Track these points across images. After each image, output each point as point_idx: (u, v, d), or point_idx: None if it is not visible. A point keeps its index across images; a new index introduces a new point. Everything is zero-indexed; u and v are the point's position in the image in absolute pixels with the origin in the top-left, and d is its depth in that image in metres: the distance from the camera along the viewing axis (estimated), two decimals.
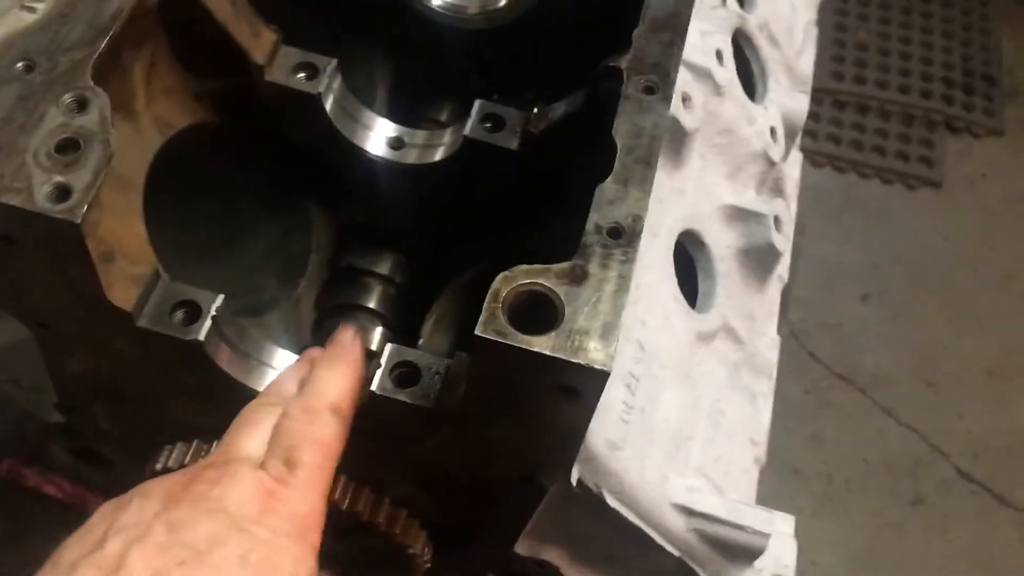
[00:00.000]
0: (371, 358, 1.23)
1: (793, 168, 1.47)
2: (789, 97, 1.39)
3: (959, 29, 3.80)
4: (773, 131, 1.31)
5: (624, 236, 0.84)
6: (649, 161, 0.89)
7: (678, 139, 1.14)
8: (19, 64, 0.86)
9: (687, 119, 1.13)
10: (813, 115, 3.53)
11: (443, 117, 1.40)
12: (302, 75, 1.11)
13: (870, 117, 3.58)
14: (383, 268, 1.26)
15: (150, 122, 1.09)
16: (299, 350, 1.21)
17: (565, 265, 0.81)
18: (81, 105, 0.84)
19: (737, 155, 1.26)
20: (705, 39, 1.21)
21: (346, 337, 0.91)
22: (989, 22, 3.83)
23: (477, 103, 1.11)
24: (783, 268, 1.32)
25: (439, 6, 1.29)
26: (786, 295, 3.01)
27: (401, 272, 1.27)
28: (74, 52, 0.87)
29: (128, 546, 0.69)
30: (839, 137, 3.53)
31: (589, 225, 0.84)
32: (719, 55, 1.23)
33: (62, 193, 0.79)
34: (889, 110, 3.59)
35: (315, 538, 0.76)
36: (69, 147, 0.82)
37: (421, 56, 1.37)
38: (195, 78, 1.11)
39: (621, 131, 0.90)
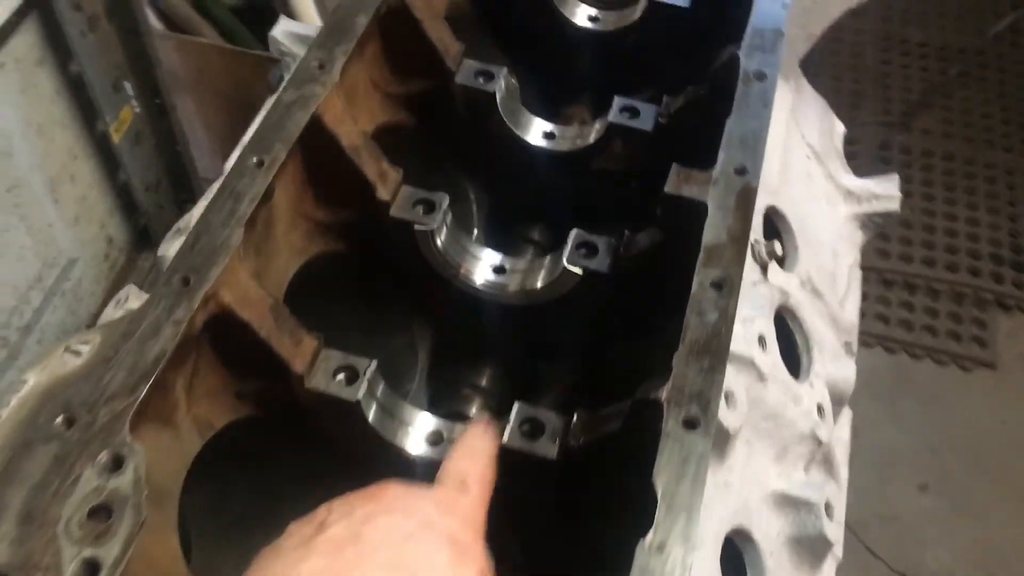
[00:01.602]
0: None
1: (843, 429, 1.43)
2: (835, 365, 1.36)
3: (1005, 204, 3.78)
4: (820, 408, 1.27)
5: None
6: (691, 512, 0.86)
7: (721, 438, 1.11)
8: (59, 419, 0.86)
9: (730, 419, 1.11)
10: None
11: (483, 382, 1.40)
12: (342, 377, 1.11)
13: (919, 296, 3.54)
14: None
15: (190, 426, 1.09)
16: None
17: None
18: (116, 463, 0.84)
19: (784, 437, 1.23)
20: (747, 327, 1.20)
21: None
22: None
23: (516, 407, 1.10)
24: (838, 546, 1.27)
25: (483, 284, 1.29)
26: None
27: None
28: (115, 402, 0.88)
29: (353, 526, 0.79)
30: (887, 316, 3.48)
31: None
32: (762, 341, 1.21)
33: (91, 569, 0.78)
34: (938, 288, 3.54)
35: (483, 548, 0.86)
36: (101, 513, 0.81)
37: (460, 327, 1.37)
38: (238, 379, 1.12)
39: (661, 476, 0.88)
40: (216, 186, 1.46)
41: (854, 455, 3.08)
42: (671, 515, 0.85)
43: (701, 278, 1.03)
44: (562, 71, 1.70)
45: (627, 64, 1.65)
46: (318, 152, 1.20)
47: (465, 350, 1.41)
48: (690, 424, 0.92)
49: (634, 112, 1.39)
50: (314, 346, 1.10)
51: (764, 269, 1.31)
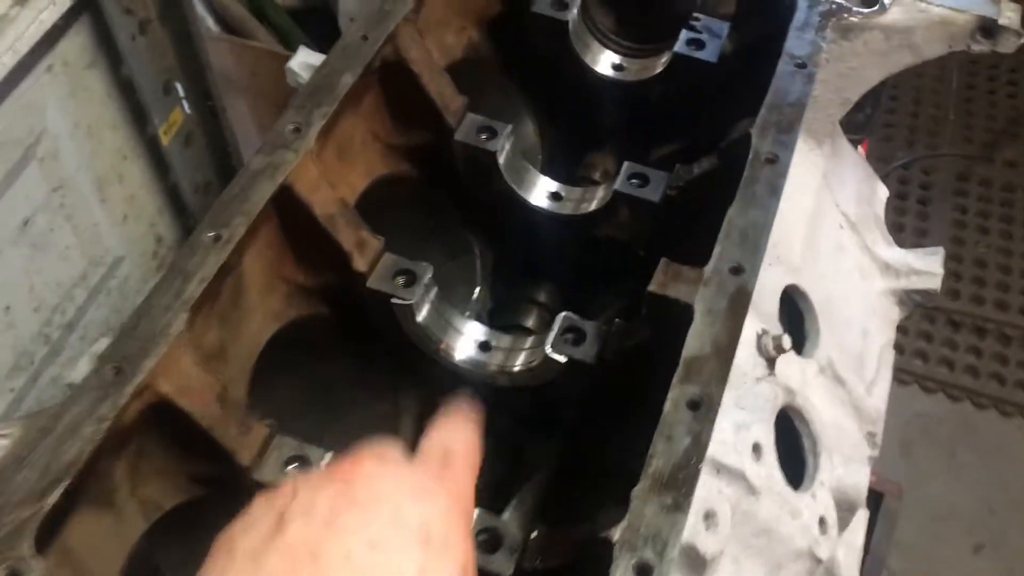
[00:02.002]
0: None
1: (855, 534, 1.32)
2: (846, 468, 1.24)
3: None
4: (823, 521, 1.16)
5: None
6: None
7: (697, 564, 1.01)
8: None
9: (709, 543, 1.01)
10: (925, 335, 3.32)
11: None
12: (294, 468, 1.04)
13: (988, 341, 3.34)
14: None
15: (134, 508, 1.04)
16: None
17: None
18: None
19: (777, 555, 1.12)
20: (740, 434, 1.09)
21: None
22: None
23: (475, 515, 1.02)
24: None
25: (463, 361, 1.22)
26: (888, 535, 2.76)
27: None
28: (21, 510, 0.83)
29: (313, 529, 0.69)
30: (953, 361, 3.29)
31: None
32: (757, 449, 1.10)
33: None
34: (1009, 334, 3.34)
35: (471, 523, 0.81)
36: None
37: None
38: (189, 461, 1.06)
39: None
40: None
41: (907, 508, 2.92)
42: None
43: (676, 396, 0.93)
44: (585, 117, 1.61)
45: (653, 115, 1.55)
46: (291, 220, 1.13)
47: None
48: (642, 571, 0.83)
49: (643, 180, 1.29)
50: (264, 435, 1.04)
51: (771, 364, 1.20)
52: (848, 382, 1.36)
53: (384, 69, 1.26)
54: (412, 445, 1.39)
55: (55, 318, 2.95)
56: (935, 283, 1.51)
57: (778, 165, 1.10)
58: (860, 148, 2.98)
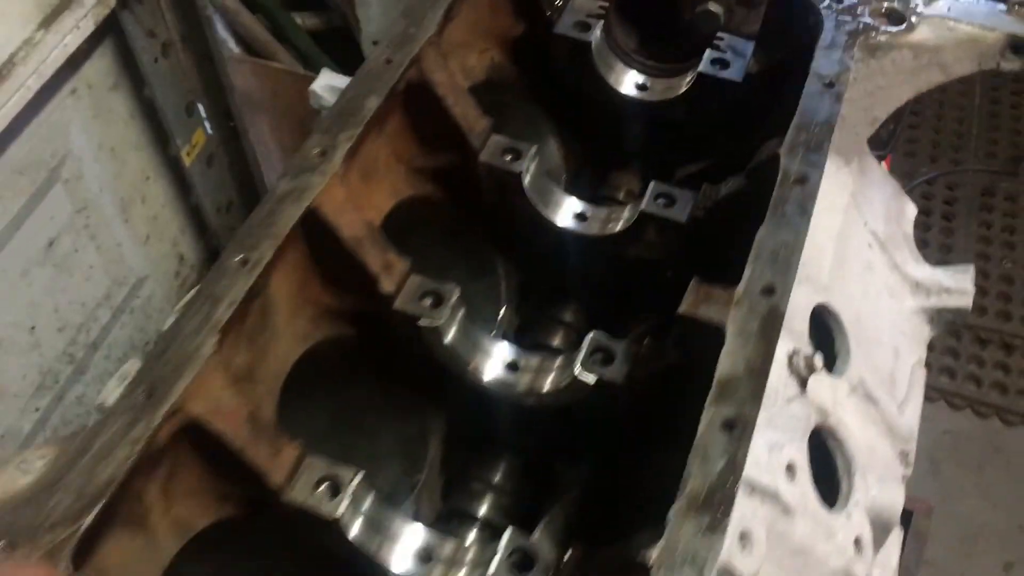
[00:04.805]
0: None
1: (890, 555, 1.30)
2: (881, 488, 1.23)
3: None
4: (858, 541, 1.15)
5: None
6: None
7: None
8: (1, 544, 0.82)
9: (745, 564, 0.99)
10: (952, 352, 3.28)
11: (496, 478, 1.31)
12: (324, 488, 1.04)
13: (1016, 357, 3.29)
14: None
15: (167, 528, 1.04)
16: None
17: None
18: None
19: (813, 575, 1.11)
20: (773, 455, 1.08)
21: None
22: None
23: (507, 534, 1.01)
24: None
25: (490, 382, 1.21)
26: (918, 553, 2.72)
27: None
28: (57, 530, 0.83)
29: None
30: (980, 378, 3.25)
31: None
32: (791, 469, 1.09)
33: None
34: None
35: None
36: None
37: (471, 419, 1.30)
38: (221, 481, 1.06)
39: None
40: None
41: (936, 527, 2.87)
42: None
43: (710, 416, 0.92)
44: (609, 137, 1.60)
45: (678, 134, 1.55)
46: (318, 242, 1.13)
47: (476, 442, 1.33)
48: None
49: (670, 200, 1.28)
50: (295, 456, 1.03)
51: (803, 383, 1.18)
52: (880, 401, 1.35)
53: (408, 92, 1.26)
54: (441, 464, 1.39)
55: (80, 337, 2.97)
56: (966, 301, 1.49)
57: (808, 185, 1.09)
58: (883, 164, 2.96)
